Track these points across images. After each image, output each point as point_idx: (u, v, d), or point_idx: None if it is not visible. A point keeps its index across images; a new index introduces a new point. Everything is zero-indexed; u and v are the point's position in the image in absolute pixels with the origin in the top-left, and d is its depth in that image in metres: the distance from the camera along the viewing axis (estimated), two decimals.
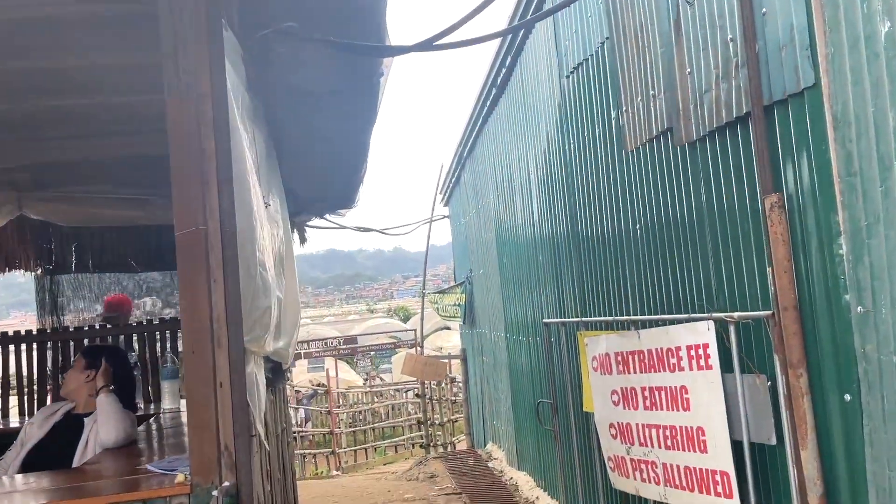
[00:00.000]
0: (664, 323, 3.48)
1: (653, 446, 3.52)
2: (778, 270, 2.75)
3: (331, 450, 13.46)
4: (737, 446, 3.03)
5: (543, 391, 6.15)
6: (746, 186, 3.02)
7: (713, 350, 3.08)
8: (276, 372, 3.88)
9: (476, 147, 8.77)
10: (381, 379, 27.47)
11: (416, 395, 11.16)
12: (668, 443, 3.40)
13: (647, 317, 3.71)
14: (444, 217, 11.33)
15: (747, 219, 3.04)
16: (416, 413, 15.36)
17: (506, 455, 8.36)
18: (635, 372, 3.61)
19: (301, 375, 24.01)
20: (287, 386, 4.43)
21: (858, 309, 2.42)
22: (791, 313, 2.73)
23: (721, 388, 3.06)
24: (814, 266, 2.66)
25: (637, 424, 3.63)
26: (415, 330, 24.21)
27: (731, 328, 2.99)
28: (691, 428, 3.24)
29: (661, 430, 3.45)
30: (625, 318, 3.78)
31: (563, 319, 4.47)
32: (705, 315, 3.14)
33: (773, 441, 2.92)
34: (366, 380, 27.05)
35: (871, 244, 2.38)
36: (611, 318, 3.87)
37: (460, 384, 11.86)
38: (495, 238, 7.95)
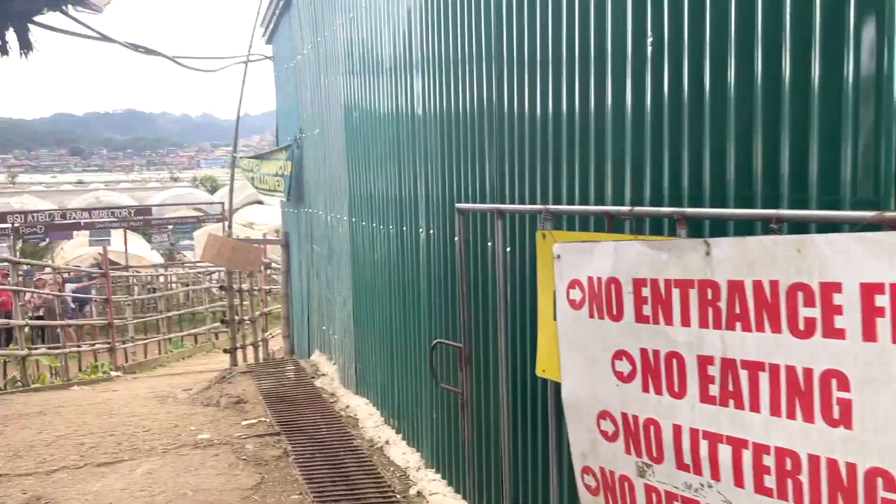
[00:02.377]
0: (799, 227, 1.59)
1: (717, 477, 1.71)
2: None
3: (108, 345, 10.83)
4: None
5: (426, 319, 4.05)
6: None
7: None
8: None
9: None
10: (185, 256, 24.17)
11: (221, 288, 8.81)
12: (768, 483, 1.60)
13: (731, 210, 1.80)
14: (266, 58, 8.64)
15: None
16: (221, 297, 13.05)
17: (339, 372, 6.46)
18: (689, 323, 1.73)
19: (80, 249, 20.22)
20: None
21: None
22: None
23: None
24: None
25: (675, 427, 1.79)
26: (222, 203, 21.22)
27: None
28: (852, 466, 1.44)
29: (751, 453, 1.63)
30: (667, 209, 1.84)
31: (499, 206, 2.43)
32: None
33: None
34: (163, 254, 23.61)
35: None
36: (626, 209, 1.90)
37: (277, 271, 9.70)
38: (343, 80, 5.66)
